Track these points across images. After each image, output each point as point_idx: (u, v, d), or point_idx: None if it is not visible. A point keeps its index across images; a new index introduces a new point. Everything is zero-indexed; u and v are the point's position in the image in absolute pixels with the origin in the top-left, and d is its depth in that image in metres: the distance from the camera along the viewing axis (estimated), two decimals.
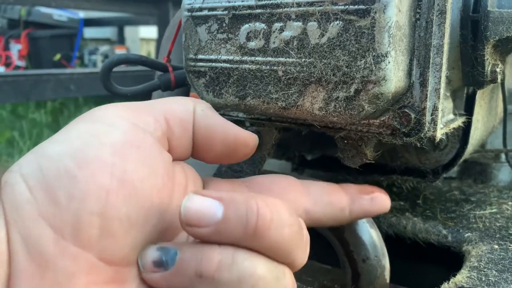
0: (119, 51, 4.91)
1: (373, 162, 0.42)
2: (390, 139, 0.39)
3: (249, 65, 0.40)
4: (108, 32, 5.75)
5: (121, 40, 5.46)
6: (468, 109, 0.46)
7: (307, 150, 0.60)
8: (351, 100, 0.36)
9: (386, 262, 0.44)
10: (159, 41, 3.17)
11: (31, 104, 4.93)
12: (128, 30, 5.61)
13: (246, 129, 0.46)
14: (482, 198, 0.59)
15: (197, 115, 0.33)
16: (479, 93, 0.47)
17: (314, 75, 0.37)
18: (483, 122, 0.52)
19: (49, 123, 4.54)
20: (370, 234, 0.44)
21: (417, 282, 0.52)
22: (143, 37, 5.74)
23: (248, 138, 0.35)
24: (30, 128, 4.04)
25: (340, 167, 0.56)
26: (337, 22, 0.35)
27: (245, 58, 0.41)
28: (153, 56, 4.96)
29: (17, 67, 4.53)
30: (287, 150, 0.61)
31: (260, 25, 0.39)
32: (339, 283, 0.51)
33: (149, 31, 5.19)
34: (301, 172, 0.61)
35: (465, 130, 0.47)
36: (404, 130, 0.38)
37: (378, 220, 0.54)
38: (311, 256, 0.65)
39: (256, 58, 0.40)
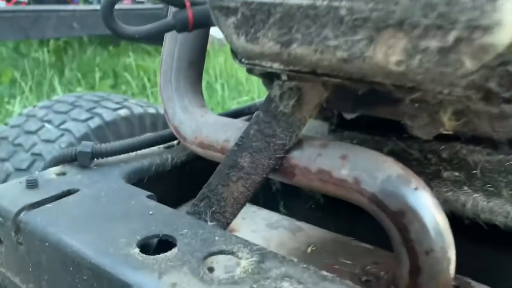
0: None
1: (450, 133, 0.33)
2: (481, 106, 0.30)
3: None
4: None
5: None
6: None
7: (349, 108, 0.50)
8: (447, 53, 0.26)
9: (452, 254, 0.36)
10: None
11: (33, 42, 4.78)
12: None
13: (282, 84, 0.37)
14: None
15: None
16: None
17: (394, 16, 0.27)
18: None
19: (52, 62, 4.42)
20: (437, 221, 0.35)
21: (488, 273, 0.44)
22: None
23: None
24: (33, 68, 3.92)
25: (387, 129, 0.47)
26: None
27: None
28: None
29: (18, 2, 4.36)
30: (323, 108, 0.52)
31: None
32: (385, 268, 0.44)
33: None
34: (339, 135, 0.52)
35: None
36: (504, 95, 0.28)
37: None
38: (349, 233, 0.58)
39: None
